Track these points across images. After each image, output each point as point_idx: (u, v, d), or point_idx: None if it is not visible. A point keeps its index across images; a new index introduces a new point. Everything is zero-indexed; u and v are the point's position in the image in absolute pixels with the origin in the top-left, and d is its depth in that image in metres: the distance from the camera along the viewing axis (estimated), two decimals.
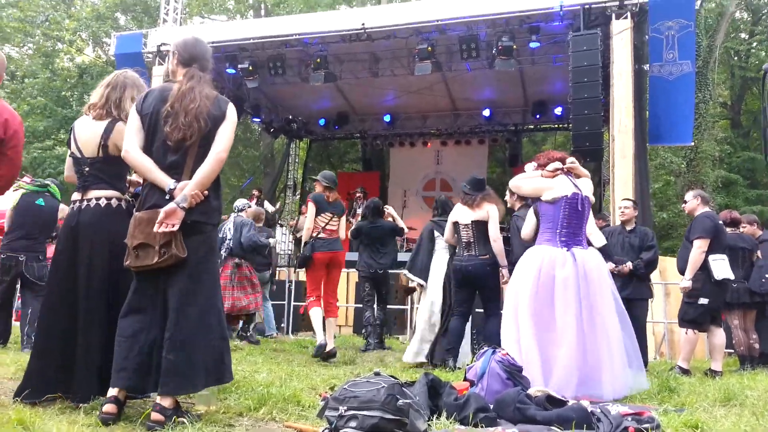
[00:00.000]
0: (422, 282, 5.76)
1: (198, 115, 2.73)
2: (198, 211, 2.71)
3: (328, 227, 5.90)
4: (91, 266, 2.96)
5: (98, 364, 2.85)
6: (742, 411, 3.26)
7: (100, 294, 2.94)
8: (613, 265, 5.40)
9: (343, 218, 6.08)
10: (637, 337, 5.68)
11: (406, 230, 7.42)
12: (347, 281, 9.69)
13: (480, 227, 5.23)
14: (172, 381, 2.59)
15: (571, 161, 4.22)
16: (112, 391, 2.64)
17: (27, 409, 2.67)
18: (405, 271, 6.11)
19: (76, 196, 3.10)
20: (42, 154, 18.08)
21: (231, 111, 2.88)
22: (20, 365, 3.79)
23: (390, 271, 7.25)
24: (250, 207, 7.51)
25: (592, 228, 5.20)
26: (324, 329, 5.68)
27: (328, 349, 5.54)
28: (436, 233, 5.83)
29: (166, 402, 2.58)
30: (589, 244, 4.32)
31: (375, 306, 7.07)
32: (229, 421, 2.70)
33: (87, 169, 3.07)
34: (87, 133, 3.09)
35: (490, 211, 5.23)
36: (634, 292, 5.69)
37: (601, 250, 5.27)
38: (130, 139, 2.80)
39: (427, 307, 5.67)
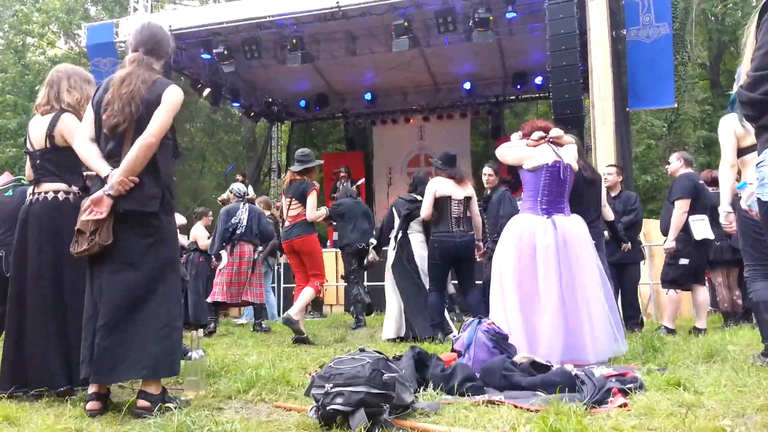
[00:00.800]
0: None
1: (131, 100, 2.68)
2: (131, 198, 2.65)
3: (289, 214, 5.68)
4: (39, 258, 3.03)
5: (51, 355, 2.90)
6: (724, 366, 3.33)
7: (50, 285, 3.00)
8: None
9: (310, 197, 5.56)
10: (630, 299, 5.83)
11: None
12: (336, 259, 9.72)
13: (468, 203, 5.30)
14: (100, 368, 2.56)
15: (556, 132, 4.23)
16: (91, 387, 2.63)
17: (13, 404, 2.67)
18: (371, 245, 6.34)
19: (29, 189, 3.21)
20: (18, 152, 17.80)
21: (169, 93, 2.74)
22: None
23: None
24: (248, 194, 7.48)
25: (603, 202, 5.29)
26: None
27: (292, 315, 5.31)
28: (394, 210, 5.89)
29: (151, 388, 2.59)
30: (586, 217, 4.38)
31: (364, 283, 7.11)
32: (218, 405, 2.73)
33: (38, 161, 3.17)
34: (37, 127, 3.20)
35: (472, 189, 5.36)
36: (625, 257, 5.77)
37: (610, 225, 5.35)
38: (80, 132, 2.86)
39: (390, 284, 5.75)
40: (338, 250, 8.14)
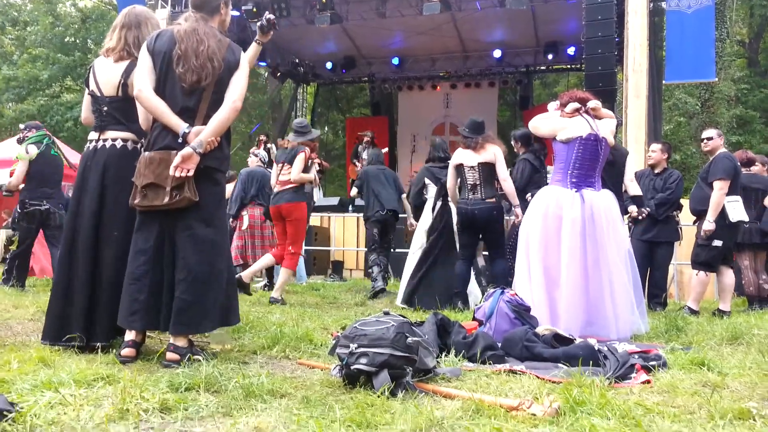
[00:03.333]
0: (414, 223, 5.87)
1: (211, 56, 2.71)
2: (211, 156, 2.72)
3: (280, 177, 5.59)
4: (98, 205, 2.93)
5: (109, 303, 2.87)
6: (749, 349, 3.30)
7: (108, 234, 2.92)
8: (634, 210, 5.46)
9: (298, 159, 5.45)
10: (658, 278, 5.77)
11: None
12: (357, 226, 9.76)
13: (487, 169, 5.16)
14: (186, 320, 2.65)
15: (594, 104, 4.15)
16: (129, 335, 2.71)
17: (48, 348, 2.75)
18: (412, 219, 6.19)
19: (92, 135, 3.06)
20: (48, 102, 17.97)
21: (245, 59, 2.88)
22: (39, 307, 3.89)
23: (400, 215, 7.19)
24: (273, 152, 7.54)
25: (629, 176, 5.21)
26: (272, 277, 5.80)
27: (273, 296, 5.38)
28: (426, 180, 5.87)
29: (180, 341, 2.65)
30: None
31: (383, 248, 7.00)
32: (243, 359, 2.78)
33: (105, 108, 3.02)
34: (108, 72, 3.04)
35: (496, 153, 5.15)
36: (659, 235, 5.71)
37: (635, 199, 5.29)
38: (142, 79, 2.74)
39: (414, 251, 5.77)
40: (360, 215, 8.15)
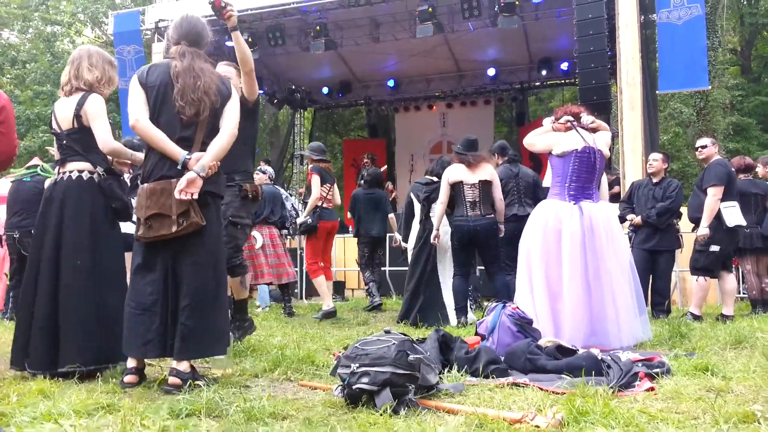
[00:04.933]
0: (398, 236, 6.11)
1: (207, 90, 2.80)
2: (210, 182, 2.77)
3: (329, 196, 6.20)
4: (60, 238, 3.04)
5: (54, 334, 2.94)
6: (753, 353, 3.28)
7: (72, 264, 3.00)
8: (635, 218, 5.54)
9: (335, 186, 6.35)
10: (661, 286, 5.75)
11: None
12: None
13: (485, 187, 5.23)
14: (191, 346, 2.68)
15: (591, 121, 4.19)
16: (131, 362, 2.73)
17: (47, 381, 2.75)
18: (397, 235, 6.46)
19: (56, 170, 3.23)
20: (51, 137, 18.13)
21: (234, 89, 2.99)
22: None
23: (389, 234, 7.62)
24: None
25: (604, 185, 5.19)
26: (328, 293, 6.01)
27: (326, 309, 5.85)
28: (412, 195, 5.96)
29: (182, 366, 2.65)
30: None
31: (372, 266, 7.35)
32: (245, 383, 2.77)
33: (64, 141, 3.17)
34: (63, 108, 3.19)
35: (492, 173, 5.30)
36: (659, 243, 5.71)
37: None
38: (138, 109, 2.79)
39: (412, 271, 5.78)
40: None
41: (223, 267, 2.95)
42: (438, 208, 5.40)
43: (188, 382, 2.57)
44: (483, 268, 5.61)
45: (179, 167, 2.72)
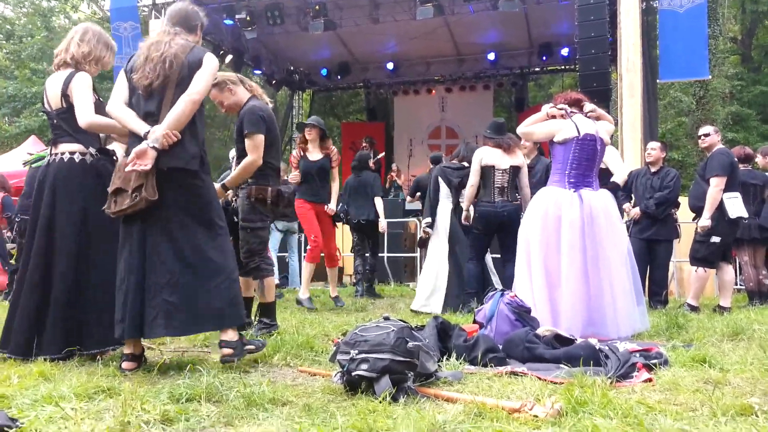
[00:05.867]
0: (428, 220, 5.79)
1: (164, 59, 2.71)
2: (174, 156, 2.68)
3: None
4: (49, 219, 3.00)
5: (62, 317, 2.90)
6: (750, 344, 3.30)
7: (62, 248, 2.97)
8: (635, 212, 5.62)
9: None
10: (658, 276, 5.77)
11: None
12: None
13: (515, 173, 5.19)
14: (177, 323, 2.64)
15: (591, 108, 4.15)
16: (127, 348, 2.71)
17: (47, 363, 2.75)
18: (423, 223, 6.00)
19: (47, 151, 3.19)
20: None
21: (208, 58, 2.82)
22: None
23: (389, 220, 7.49)
24: None
25: (617, 164, 5.07)
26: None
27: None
28: (441, 181, 5.81)
29: (228, 335, 2.72)
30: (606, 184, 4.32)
31: (366, 254, 7.29)
32: (244, 368, 2.77)
33: (54, 121, 3.12)
34: (53, 86, 3.14)
35: (522, 159, 5.22)
36: (657, 233, 5.72)
37: (613, 186, 5.29)
38: (112, 97, 2.83)
39: (435, 255, 5.69)
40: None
41: (207, 241, 2.77)
42: (468, 191, 5.33)
43: (241, 349, 2.68)
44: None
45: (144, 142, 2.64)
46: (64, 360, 2.83)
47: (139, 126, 2.71)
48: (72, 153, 3.06)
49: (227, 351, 2.66)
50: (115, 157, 3.19)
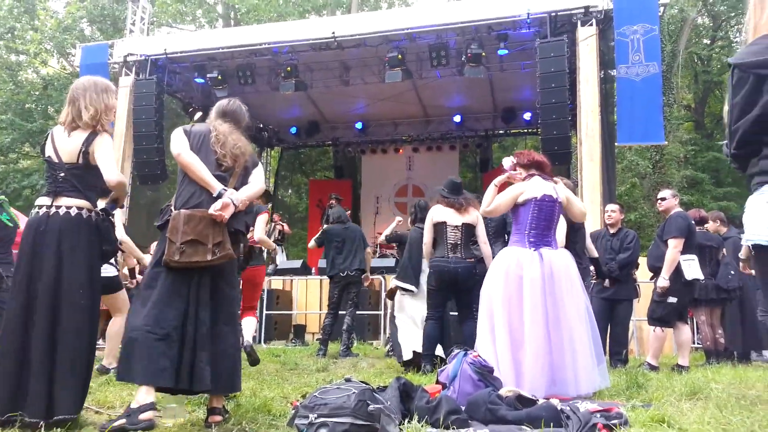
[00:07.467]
0: (414, 288, 5.72)
1: (244, 151, 3.14)
2: (237, 220, 3.04)
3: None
4: (58, 273, 2.86)
5: (70, 371, 2.78)
6: (707, 404, 3.33)
7: (71, 301, 2.85)
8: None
9: (260, 218, 5.45)
10: (618, 335, 5.83)
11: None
12: (320, 288, 9.66)
13: (468, 230, 5.24)
14: (227, 380, 2.87)
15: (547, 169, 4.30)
16: (148, 395, 2.68)
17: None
18: (396, 281, 5.94)
19: (44, 200, 3.00)
20: (6, 169, 17.70)
21: (259, 163, 3.35)
22: None
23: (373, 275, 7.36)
24: None
25: (588, 240, 5.34)
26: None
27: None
28: (411, 243, 5.84)
29: (221, 402, 2.91)
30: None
31: (337, 312, 7.04)
32: None
33: (63, 174, 3.00)
34: (67, 141, 3.04)
35: (478, 216, 5.25)
36: (618, 293, 5.82)
37: (594, 261, 5.44)
38: (182, 145, 3.05)
39: (418, 310, 5.66)
40: (323, 277, 8.11)
41: (237, 304, 3.19)
42: (424, 248, 5.39)
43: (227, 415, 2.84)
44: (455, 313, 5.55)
45: (215, 196, 2.94)
46: None
47: (215, 183, 2.99)
48: (80, 208, 2.98)
49: (218, 418, 2.80)
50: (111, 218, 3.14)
